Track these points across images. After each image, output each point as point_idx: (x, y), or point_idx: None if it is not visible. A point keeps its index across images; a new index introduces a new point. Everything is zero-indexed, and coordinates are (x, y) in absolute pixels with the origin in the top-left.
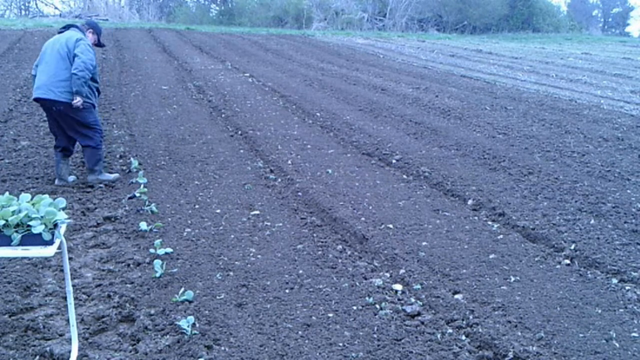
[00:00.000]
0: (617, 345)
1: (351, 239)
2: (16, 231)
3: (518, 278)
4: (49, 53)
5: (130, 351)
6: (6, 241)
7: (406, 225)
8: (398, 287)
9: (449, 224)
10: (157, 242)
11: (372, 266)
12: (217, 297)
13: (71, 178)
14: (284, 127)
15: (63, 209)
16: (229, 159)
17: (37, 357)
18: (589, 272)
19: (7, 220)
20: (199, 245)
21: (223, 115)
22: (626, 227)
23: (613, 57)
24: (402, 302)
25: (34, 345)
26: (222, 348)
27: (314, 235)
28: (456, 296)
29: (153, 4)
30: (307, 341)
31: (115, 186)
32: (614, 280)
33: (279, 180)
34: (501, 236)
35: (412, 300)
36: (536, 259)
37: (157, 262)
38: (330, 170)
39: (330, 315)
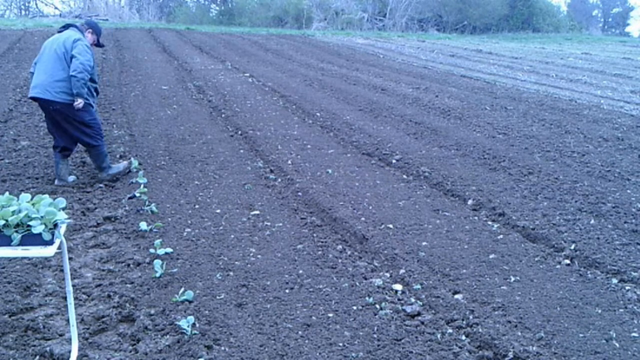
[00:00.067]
0: (617, 345)
1: (351, 239)
2: (16, 231)
3: (518, 278)
4: (47, 52)
5: (130, 351)
6: (6, 241)
7: (406, 225)
8: (398, 287)
9: (449, 224)
10: (157, 242)
11: (372, 266)
12: (217, 297)
13: (71, 178)
14: (284, 127)
15: (63, 209)
16: (229, 159)
17: (37, 357)
18: (589, 272)
19: (7, 220)
20: (199, 245)
21: (223, 115)
22: (626, 227)
23: (613, 57)
24: (402, 302)
25: (34, 345)
26: (222, 348)
27: (314, 235)
28: (456, 296)
29: (153, 4)
30: (307, 341)
31: (115, 186)
32: (614, 280)
33: (279, 180)
34: (501, 236)
35: (412, 300)
36: (536, 259)
37: (157, 262)
38: (330, 170)
39: (330, 315)
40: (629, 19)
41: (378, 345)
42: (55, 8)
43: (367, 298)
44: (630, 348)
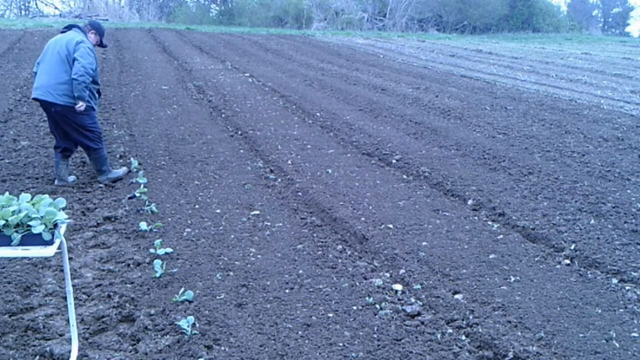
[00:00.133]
0: (617, 345)
1: (351, 239)
2: (16, 231)
3: (518, 278)
4: (50, 53)
5: (130, 351)
6: (6, 241)
7: (406, 225)
8: (398, 287)
9: (449, 224)
10: (157, 242)
11: (372, 266)
12: (217, 297)
13: (71, 178)
14: (284, 127)
15: (63, 209)
16: (229, 159)
17: (37, 357)
18: (589, 272)
19: (7, 220)
20: (199, 245)
21: (223, 115)
22: (626, 227)
23: (613, 57)
24: (402, 302)
25: (34, 345)
26: (222, 348)
27: (314, 235)
28: (456, 296)
29: (153, 4)
30: (307, 341)
31: (115, 186)
32: (614, 280)
33: (279, 180)
34: (501, 236)
35: (412, 300)
36: (536, 259)
37: (157, 262)
38: (330, 170)
39: (330, 315)
40: (629, 19)
41: (378, 345)
42: (55, 8)
43: (367, 298)
44: (630, 348)
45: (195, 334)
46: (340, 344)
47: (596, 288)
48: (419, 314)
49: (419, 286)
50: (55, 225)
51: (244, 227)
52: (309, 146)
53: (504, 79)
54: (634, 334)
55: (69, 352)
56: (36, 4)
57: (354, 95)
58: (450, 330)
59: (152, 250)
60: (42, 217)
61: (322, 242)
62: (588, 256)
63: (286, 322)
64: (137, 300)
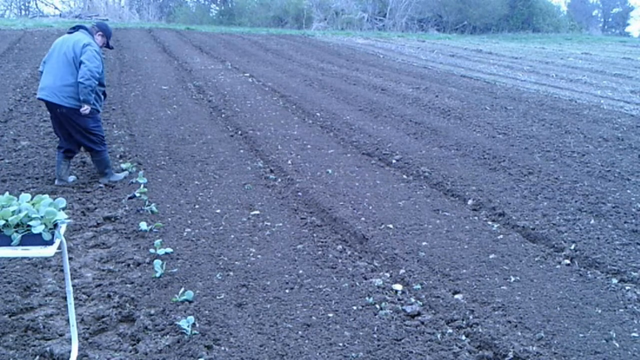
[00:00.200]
0: (617, 345)
1: (351, 239)
2: (16, 231)
3: (518, 278)
4: (56, 54)
5: (130, 351)
6: (6, 241)
7: (406, 225)
8: (398, 287)
9: (449, 224)
10: (157, 242)
11: (372, 266)
12: (217, 297)
13: (71, 178)
14: (284, 127)
15: (63, 209)
16: (229, 159)
17: (37, 357)
18: (589, 272)
19: (7, 220)
20: (199, 245)
21: (223, 115)
22: (626, 227)
23: (613, 57)
24: (402, 302)
25: (34, 345)
26: (222, 348)
27: (314, 235)
28: (456, 296)
29: (153, 4)
30: (307, 341)
31: (115, 186)
32: (614, 280)
33: (279, 180)
34: (501, 236)
35: (412, 300)
36: (536, 259)
37: (157, 262)
38: (330, 170)
39: (330, 315)
40: (629, 19)
41: (378, 345)
42: (55, 8)
43: (367, 298)
44: (630, 348)
45: (195, 334)
46: (340, 344)
47: (596, 288)
48: (419, 314)
49: (419, 286)
50: (55, 225)
51: (244, 227)
52: (309, 146)
53: (504, 79)
54: (634, 334)
55: (69, 352)
56: (36, 4)
57: (354, 95)
58: (450, 330)
59: (152, 250)
60: (42, 217)
61: (322, 242)
62: (588, 256)
63: (286, 322)
64: (137, 300)
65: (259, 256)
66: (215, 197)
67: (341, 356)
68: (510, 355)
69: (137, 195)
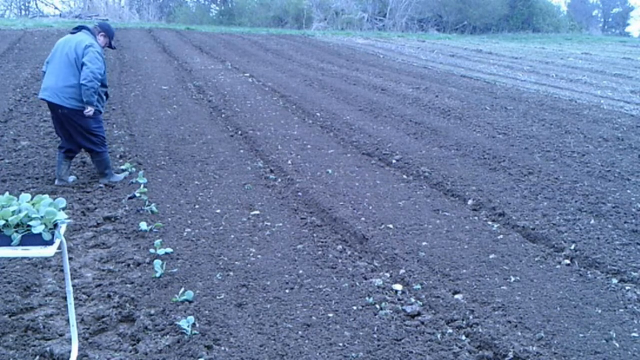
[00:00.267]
0: (617, 345)
1: (351, 239)
2: (16, 231)
3: (518, 278)
4: (59, 55)
5: (130, 351)
6: (6, 241)
7: (406, 225)
8: (398, 287)
9: (449, 224)
10: (157, 242)
11: (372, 266)
12: (217, 297)
13: (71, 178)
14: (284, 127)
15: (63, 209)
16: (229, 159)
17: (37, 357)
18: (589, 272)
19: (7, 220)
20: (199, 245)
21: (223, 115)
22: (626, 227)
23: (613, 57)
24: (402, 302)
25: (34, 345)
26: (222, 348)
27: (314, 235)
28: (456, 296)
29: (153, 4)
30: (307, 341)
31: (115, 186)
32: (614, 280)
33: (279, 180)
34: (501, 236)
35: (412, 300)
36: (536, 259)
37: (157, 262)
38: (330, 170)
39: (330, 315)
40: (629, 19)
41: (378, 345)
42: (55, 8)
43: (367, 298)
44: (630, 348)
45: (195, 334)
46: (340, 344)
47: (596, 288)
48: (419, 314)
49: (419, 286)
50: (55, 225)
51: (244, 227)
52: (309, 146)
53: (504, 79)
54: (634, 334)
55: (69, 352)
56: (36, 4)
57: (354, 95)
58: (450, 330)
59: (152, 250)
60: (42, 217)
61: (322, 242)
62: (588, 256)
63: (286, 322)
64: (137, 300)
65: (259, 256)
66: (215, 197)
67: (341, 356)
68: (510, 355)
69: (137, 195)
